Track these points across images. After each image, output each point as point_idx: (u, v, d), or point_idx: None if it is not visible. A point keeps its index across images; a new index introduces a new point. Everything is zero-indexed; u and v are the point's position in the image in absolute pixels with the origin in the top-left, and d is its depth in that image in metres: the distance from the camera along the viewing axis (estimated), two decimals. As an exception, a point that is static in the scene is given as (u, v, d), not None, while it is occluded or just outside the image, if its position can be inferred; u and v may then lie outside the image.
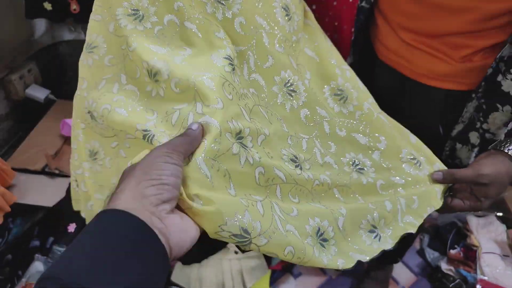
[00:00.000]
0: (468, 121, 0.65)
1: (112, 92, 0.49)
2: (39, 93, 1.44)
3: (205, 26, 0.50)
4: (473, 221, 1.31)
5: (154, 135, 0.42)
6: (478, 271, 1.19)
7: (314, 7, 1.03)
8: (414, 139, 0.63)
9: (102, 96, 0.49)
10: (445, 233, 1.34)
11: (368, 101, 0.62)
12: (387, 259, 1.19)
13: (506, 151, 0.54)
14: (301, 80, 0.56)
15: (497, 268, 1.17)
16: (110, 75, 0.50)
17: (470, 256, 1.24)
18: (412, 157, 0.59)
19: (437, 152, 0.64)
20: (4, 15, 1.35)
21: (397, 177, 0.57)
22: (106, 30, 0.51)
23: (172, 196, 0.34)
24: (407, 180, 0.57)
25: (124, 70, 0.50)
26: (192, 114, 0.42)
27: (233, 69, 0.48)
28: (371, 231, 0.54)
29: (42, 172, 1.17)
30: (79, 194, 0.58)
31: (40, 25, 1.52)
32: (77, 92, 0.53)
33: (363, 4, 0.73)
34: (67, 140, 1.29)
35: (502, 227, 1.29)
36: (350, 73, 0.63)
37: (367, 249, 0.52)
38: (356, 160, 0.57)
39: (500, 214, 1.33)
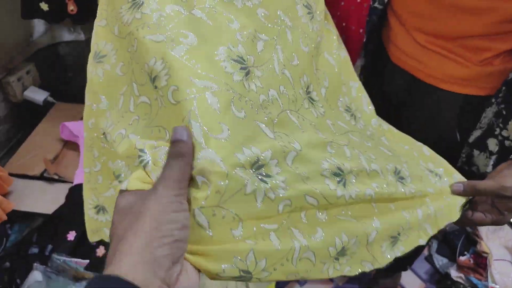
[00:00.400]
0: (487, 127, 0.62)
1: (130, 111, 0.42)
2: (38, 95, 1.41)
3: (218, 15, 0.43)
4: (483, 227, 1.28)
5: (149, 162, 0.35)
6: (489, 279, 1.15)
7: (320, 7, 1.00)
8: (428, 151, 0.59)
9: (121, 118, 0.43)
10: (453, 239, 1.31)
11: (371, 123, 0.58)
12: (395, 266, 1.16)
13: None
14: (316, 89, 0.52)
15: (509, 276, 1.14)
16: (125, 87, 0.44)
17: (481, 263, 1.21)
18: (431, 169, 0.56)
19: (453, 158, 0.61)
20: (1, 15, 1.31)
21: (427, 188, 0.53)
22: (111, 34, 0.46)
23: (183, 253, 0.30)
24: (434, 190, 0.54)
25: (134, 77, 0.43)
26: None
27: (247, 73, 0.40)
28: (392, 237, 0.49)
29: (41, 177, 1.13)
30: (101, 223, 0.51)
31: (39, 25, 1.49)
32: (90, 106, 0.47)
33: (376, 5, 0.70)
34: (66, 144, 1.25)
35: (513, 233, 1.26)
36: (356, 92, 0.59)
37: (379, 257, 0.49)
38: (397, 169, 0.51)
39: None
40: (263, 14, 0.47)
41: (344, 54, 0.60)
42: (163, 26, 0.41)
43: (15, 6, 1.31)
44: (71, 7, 1.27)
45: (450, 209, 0.53)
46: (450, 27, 0.59)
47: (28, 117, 1.45)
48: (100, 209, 0.50)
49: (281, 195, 0.37)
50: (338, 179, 0.43)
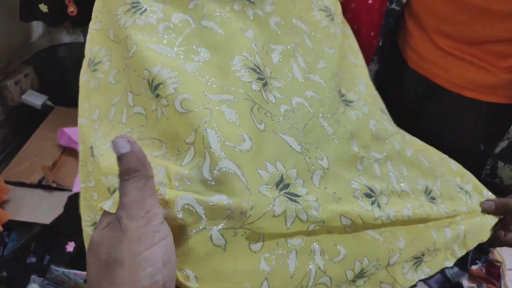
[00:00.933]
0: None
1: (122, 123, 0.39)
2: (36, 99, 1.38)
3: (230, 23, 0.40)
4: (496, 235, 1.24)
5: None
6: (503, 289, 1.11)
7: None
8: (454, 165, 0.56)
9: (112, 130, 0.39)
10: (465, 247, 1.27)
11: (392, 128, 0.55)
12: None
13: None
14: (352, 89, 0.48)
15: (523, 286, 1.10)
16: (118, 97, 0.40)
17: (493, 272, 1.17)
18: (459, 185, 0.52)
19: (475, 169, 0.58)
20: (0, 19, 1.28)
21: (460, 207, 0.50)
22: (106, 38, 0.43)
23: None
24: (467, 208, 0.50)
25: (130, 86, 0.39)
26: (208, 156, 0.30)
27: (265, 83, 0.37)
28: (416, 257, 0.46)
29: (39, 185, 1.10)
30: None
31: (37, 27, 1.46)
32: (84, 121, 0.44)
33: (393, 6, 0.66)
34: (65, 150, 1.22)
35: (526, 242, 1.22)
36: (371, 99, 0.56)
37: (400, 279, 0.45)
38: (428, 188, 0.48)
39: (525, 227, 1.26)
40: (276, 23, 0.44)
41: (363, 59, 0.57)
42: (171, 41, 0.37)
43: (13, 8, 1.28)
44: (71, 9, 1.24)
45: (481, 229, 0.50)
46: (474, 31, 0.55)
47: (25, 121, 1.41)
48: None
49: (313, 216, 0.33)
50: (371, 200, 0.40)
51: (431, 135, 0.59)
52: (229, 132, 0.31)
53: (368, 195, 0.40)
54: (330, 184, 0.37)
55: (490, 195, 0.53)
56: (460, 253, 0.49)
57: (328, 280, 0.37)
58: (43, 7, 1.23)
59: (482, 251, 1.31)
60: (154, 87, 0.35)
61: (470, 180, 0.55)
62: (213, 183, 0.29)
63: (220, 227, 0.29)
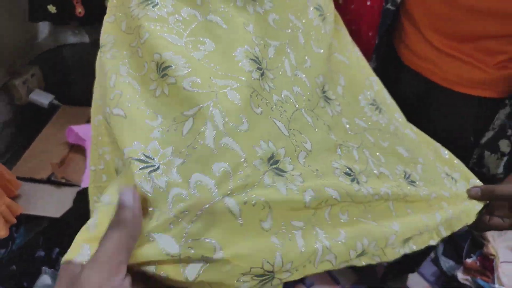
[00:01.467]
0: (499, 128, 0.62)
1: (110, 86, 0.42)
2: (43, 98, 1.41)
3: (233, 18, 0.45)
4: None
5: (159, 167, 0.35)
6: (496, 281, 1.16)
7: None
8: (446, 153, 0.60)
9: (105, 97, 0.43)
10: (460, 241, 1.31)
11: (395, 116, 0.59)
12: (404, 267, 1.17)
13: None
14: (332, 88, 0.52)
15: (516, 278, 1.14)
16: (109, 66, 0.44)
17: (487, 265, 1.22)
18: (447, 172, 0.56)
19: (464, 159, 0.61)
20: (5, 18, 1.31)
21: (442, 191, 0.54)
22: (118, 29, 0.47)
23: None
24: (450, 194, 0.54)
25: (128, 64, 0.44)
26: (212, 128, 0.35)
27: (262, 73, 0.43)
28: (406, 238, 0.51)
29: (48, 181, 1.13)
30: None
31: (43, 28, 1.49)
32: (97, 101, 0.48)
33: (389, 6, 0.69)
34: (73, 147, 1.25)
35: (519, 236, 1.26)
36: (377, 85, 0.60)
37: (388, 252, 0.49)
38: (406, 173, 0.53)
39: (517, 222, 1.31)
40: (274, 20, 0.48)
41: (358, 52, 0.60)
42: (180, 32, 0.42)
43: (20, 9, 1.31)
44: (79, 10, 1.27)
45: (467, 214, 0.54)
46: (466, 28, 0.59)
47: (33, 120, 1.44)
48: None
49: (300, 184, 0.39)
50: (350, 178, 0.45)
51: (428, 128, 0.63)
52: (231, 114, 0.36)
53: (347, 173, 0.45)
54: (313, 163, 0.42)
55: (477, 182, 0.57)
56: (445, 233, 0.52)
57: (333, 257, 0.41)
58: (52, 8, 1.27)
59: (476, 245, 1.35)
60: (163, 68, 0.39)
61: (459, 169, 0.58)
62: (216, 151, 0.34)
63: (229, 191, 0.33)
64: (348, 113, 0.53)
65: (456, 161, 0.59)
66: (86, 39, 1.53)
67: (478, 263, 1.23)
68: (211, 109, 0.36)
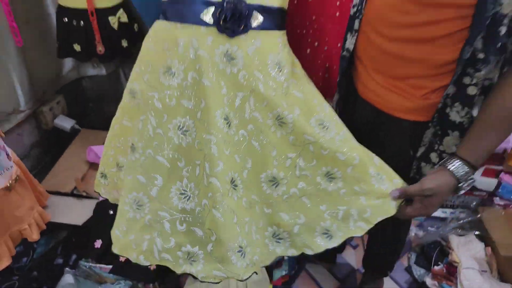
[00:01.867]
0: (428, 144, 0.80)
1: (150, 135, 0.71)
2: (66, 123, 1.61)
3: (216, 82, 0.68)
4: (455, 240, 1.46)
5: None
6: (459, 285, 1.32)
7: (308, 51, 1.22)
8: (378, 161, 0.78)
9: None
10: (429, 251, 1.48)
11: (342, 132, 0.78)
12: (378, 272, 1.33)
13: (448, 167, 0.70)
14: (291, 113, 0.72)
15: (475, 282, 1.31)
16: (143, 116, 0.71)
17: (452, 271, 1.38)
18: (377, 173, 0.75)
19: (407, 170, 0.81)
20: (39, 56, 1.53)
21: (362, 187, 0.73)
22: (141, 79, 0.70)
23: None
24: (371, 191, 0.74)
25: (154, 116, 0.70)
26: (205, 174, 0.65)
27: (229, 125, 0.69)
28: (325, 233, 0.74)
29: (71, 194, 1.32)
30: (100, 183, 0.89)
31: (68, 62, 1.71)
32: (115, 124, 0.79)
33: (344, 53, 0.89)
34: (92, 165, 1.45)
35: (480, 245, 1.43)
36: (327, 109, 0.79)
37: (314, 246, 0.73)
38: (331, 172, 0.73)
39: (478, 233, 1.48)
40: (242, 76, 0.70)
41: (313, 88, 0.80)
42: (188, 94, 0.70)
43: (50, 48, 1.54)
44: (100, 48, 1.47)
45: (386, 207, 0.73)
46: (398, 71, 0.78)
47: (56, 142, 1.64)
48: (103, 175, 0.86)
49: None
50: (273, 183, 0.75)
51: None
52: (214, 160, 0.69)
53: (272, 181, 0.72)
54: (247, 186, 0.74)
55: (398, 182, 0.76)
56: (367, 227, 0.73)
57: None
58: (77, 47, 1.47)
59: (444, 254, 1.51)
60: (184, 130, 0.71)
61: (386, 171, 0.77)
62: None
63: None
64: (298, 132, 0.72)
65: (385, 165, 0.78)
66: (103, 71, 1.74)
67: (444, 270, 1.40)
68: (204, 164, 0.69)
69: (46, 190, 1.29)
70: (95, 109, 1.80)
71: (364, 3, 0.78)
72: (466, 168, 0.69)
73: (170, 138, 0.68)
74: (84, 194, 1.31)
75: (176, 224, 0.70)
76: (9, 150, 1.06)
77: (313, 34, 1.18)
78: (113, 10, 1.42)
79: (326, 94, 0.95)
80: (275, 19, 0.71)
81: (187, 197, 0.69)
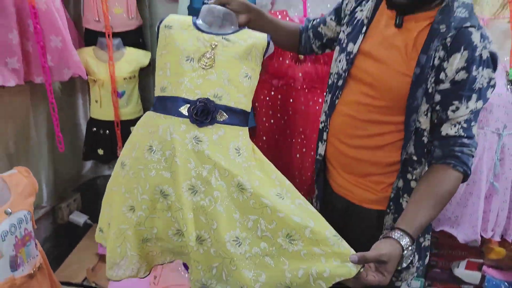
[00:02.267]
0: (390, 228, 0.94)
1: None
2: (80, 218, 1.75)
3: (185, 159, 0.84)
4: None
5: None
6: None
7: (298, 155, 1.45)
8: (334, 231, 0.85)
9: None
10: None
11: (299, 199, 0.89)
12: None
13: (393, 236, 0.80)
14: (249, 182, 0.85)
15: None
16: (136, 185, 0.87)
17: None
18: (334, 235, 0.82)
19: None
20: (65, 159, 1.76)
21: (322, 248, 0.80)
22: (130, 155, 0.89)
23: None
24: (328, 252, 0.79)
25: (140, 184, 0.86)
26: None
27: (195, 193, 0.83)
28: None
29: (82, 285, 1.40)
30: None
31: (88, 163, 1.94)
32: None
33: (318, 157, 1.10)
34: (101, 257, 1.55)
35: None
36: (288, 182, 0.92)
37: None
38: (290, 234, 0.81)
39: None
40: (207, 154, 0.85)
41: (271, 166, 0.93)
42: (167, 167, 0.86)
43: (75, 151, 1.77)
44: (120, 152, 1.71)
45: (346, 269, 0.78)
46: (360, 170, 0.99)
47: (68, 235, 1.76)
48: (101, 230, 1.03)
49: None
50: (236, 243, 0.83)
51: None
52: (188, 232, 0.82)
53: (235, 241, 0.81)
54: (216, 239, 0.82)
55: (351, 250, 0.79)
56: (326, 285, 0.76)
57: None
58: (100, 151, 1.70)
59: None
60: (164, 195, 0.86)
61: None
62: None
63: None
64: (256, 196, 0.84)
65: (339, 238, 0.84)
66: (117, 171, 1.95)
67: None
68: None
69: (59, 281, 1.38)
70: (107, 205, 1.95)
71: (328, 120, 1.01)
72: (406, 238, 0.80)
73: (156, 199, 0.86)
74: (93, 285, 1.40)
75: None
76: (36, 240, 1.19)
77: (301, 143, 1.44)
78: (134, 122, 1.68)
79: (314, 191, 1.15)
80: (238, 118, 0.91)
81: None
